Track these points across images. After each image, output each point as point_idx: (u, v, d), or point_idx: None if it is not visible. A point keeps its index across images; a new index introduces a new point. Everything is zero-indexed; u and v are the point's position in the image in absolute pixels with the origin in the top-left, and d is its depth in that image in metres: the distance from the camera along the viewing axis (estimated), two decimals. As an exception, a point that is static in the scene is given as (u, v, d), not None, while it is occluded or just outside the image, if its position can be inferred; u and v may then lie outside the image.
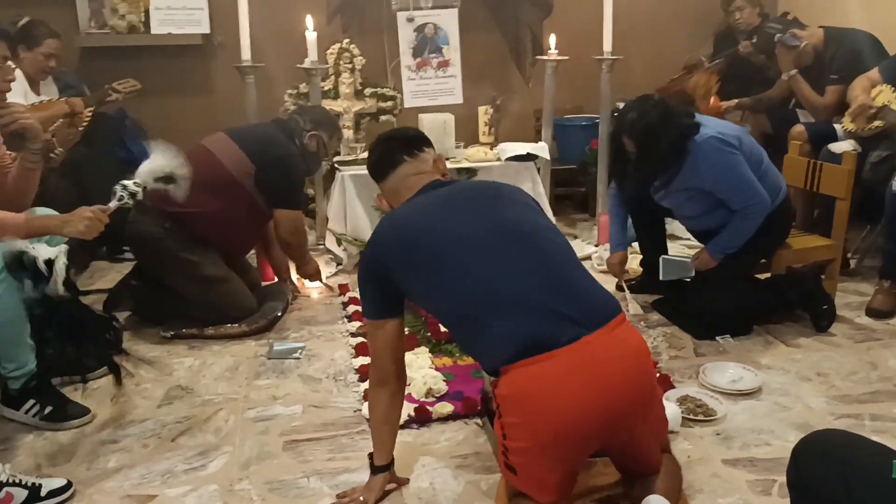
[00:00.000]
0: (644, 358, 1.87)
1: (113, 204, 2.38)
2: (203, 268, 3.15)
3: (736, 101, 4.35)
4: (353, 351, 2.98)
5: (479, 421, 2.48)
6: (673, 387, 2.64)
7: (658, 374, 2.65)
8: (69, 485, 2.14)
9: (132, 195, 2.40)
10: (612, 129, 2.97)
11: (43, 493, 2.08)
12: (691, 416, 2.45)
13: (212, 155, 3.18)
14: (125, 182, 2.40)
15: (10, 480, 2.07)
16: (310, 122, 3.45)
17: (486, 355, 1.87)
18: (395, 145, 2.12)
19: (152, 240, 3.12)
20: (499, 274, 1.81)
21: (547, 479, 1.82)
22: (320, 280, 3.62)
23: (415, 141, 2.13)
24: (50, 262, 2.24)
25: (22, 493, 2.06)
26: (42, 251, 2.28)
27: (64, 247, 2.34)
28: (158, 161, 2.47)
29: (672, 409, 2.35)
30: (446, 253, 1.86)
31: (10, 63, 2.49)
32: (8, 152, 2.56)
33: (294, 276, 3.65)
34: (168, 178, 2.47)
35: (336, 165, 3.87)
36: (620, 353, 1.78)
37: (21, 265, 2.25)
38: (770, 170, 3.08)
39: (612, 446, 1.92)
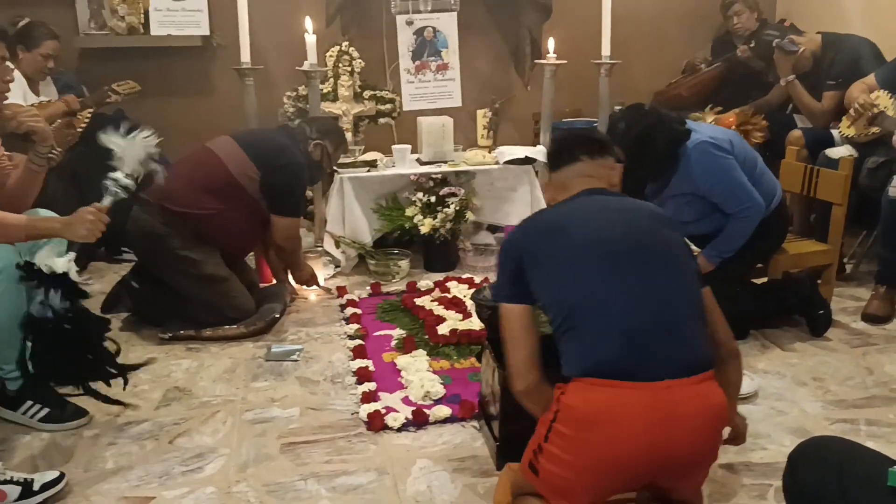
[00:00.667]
0: (718, 421, 1.80)
1: (108, 201, 2.37)
2: (204, 266, 3.15)
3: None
4: (351, 353, 2.98)
5: (476, 424, 2.48)
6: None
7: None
8: (62, 476, 2.14)
9: (125, 188, 2.38)
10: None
11: (36, 487, 2.08)
12: None
13: (217, 158, 3.19)
14: (115, 176, 2.37)
15: (2, 478, 2.07)
16: (316, 132, 3.46)
17: (573, 358, 1.81)
18: (579, 142, 2.12)
19: (154, 237, 3.12)
20: (618, 294, 1.79)
21: (572, 493, 1.78)
22: (316, 284, 3.63)
23: (599, 144, 2.12)
24: (65, 275, 2.24)
25: (15, 490, 2.06)
26: (54, 264, 2.27)
27: (72, 254, 2.34)
28: (135, 147, 2.41)
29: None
30: (577, 257, 1.87)
31: (8, 64, 2.49)
32: (6, 154, 2.56)
33: (291, 278, 3.66)
34: (150, 161, 2.44)
35: (335, 168, 3.88)
36: (696, 408, 1.74)
37: (36, 277, 2.25)
38: (765, 174, 3.09)
39: (651, 486, 1.89)
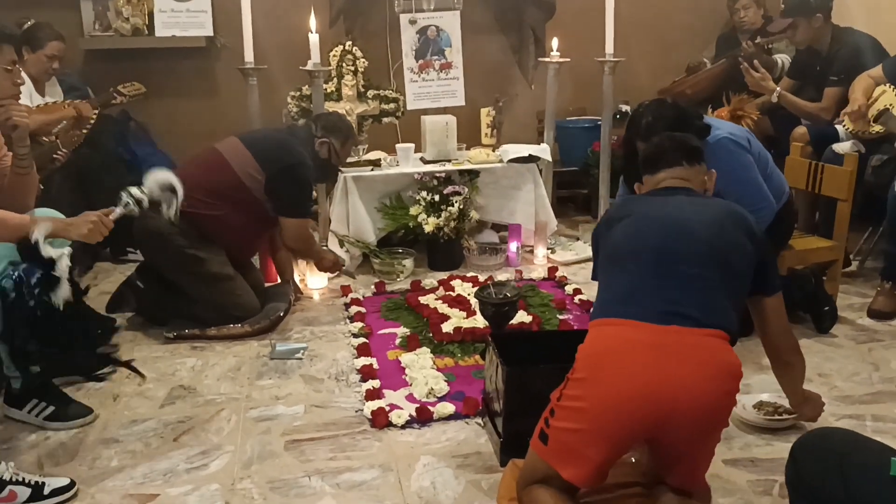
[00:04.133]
0: (727, 376, 1.81)
1: (118, 210, 2.41)
2: (210, 265, 3.16)
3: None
4: (355, 351, 2.98)
5: (480, 421, 2.48)
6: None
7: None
8: (72, 484, 2.15)
9: (137, 203, 2.43)
10: (626, 133, 2.96)
11: (46, 491, 2.09)
12: (775, 418, 2.43)
13: (223, 160, 3.20)
14: (132, 189, 2.44)
15: (14, 479, 2.08)
16: (321, 129, 3.44)
17: (598, 303, 2.01)
18: (678, 147, 2.19)
19: (160, 236, 3.12)
20: (647, 284, 1.90)
21: (581, 451, 1.79)
22: (340, 270, 3.65)
23: (696, 151, 2.20)
24: (52, 262, 2.24)
25: (25, 492, 2.08)
26: (46, 251, 2.28)
27: (68, 249, 2.35)
28: (164, 172, 2.52)
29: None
30: (613, 250, 2.03)
31: (18, 67, 2.51)
32: (9, 153, 2.56)
33: (297, 277, 3.66)
34: (171, 190, 2.51)
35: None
36: (702, 356, 1.79)
37: (31, 255, 2.25)
38: (774, 172, 3.07)
39: (656, 447, 1.89)
